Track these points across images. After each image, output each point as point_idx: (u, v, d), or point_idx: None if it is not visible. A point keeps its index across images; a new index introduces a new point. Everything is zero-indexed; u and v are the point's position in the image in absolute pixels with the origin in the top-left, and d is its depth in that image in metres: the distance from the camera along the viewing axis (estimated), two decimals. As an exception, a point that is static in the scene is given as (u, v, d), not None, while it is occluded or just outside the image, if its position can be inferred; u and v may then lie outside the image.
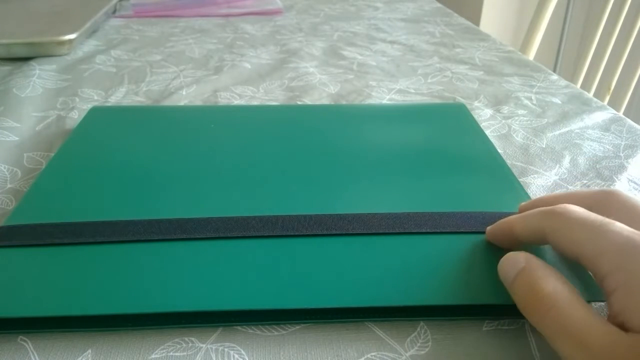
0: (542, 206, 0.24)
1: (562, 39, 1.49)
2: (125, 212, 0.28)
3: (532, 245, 0.25)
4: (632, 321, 0.18)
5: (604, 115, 0.44)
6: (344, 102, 0.47)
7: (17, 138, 0.40)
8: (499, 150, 0.37)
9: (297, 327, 0.23)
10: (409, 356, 0.22)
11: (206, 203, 0.29)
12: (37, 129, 0.42)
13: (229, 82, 0.52)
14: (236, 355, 0.22)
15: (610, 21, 0.92)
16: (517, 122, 0.43)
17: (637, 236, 0.19)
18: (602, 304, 0.25)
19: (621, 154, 0.38)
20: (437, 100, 0.48)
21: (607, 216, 0.21)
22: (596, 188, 0.31)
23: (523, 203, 0.27)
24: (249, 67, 0.56)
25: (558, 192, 0.33)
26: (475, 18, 1.45)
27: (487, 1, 1.44)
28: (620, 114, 0.44)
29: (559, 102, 0.47)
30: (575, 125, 0.42)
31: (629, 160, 0.37)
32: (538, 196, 0.33)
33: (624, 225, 0.20)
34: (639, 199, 0.23)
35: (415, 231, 0.27)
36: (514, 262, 0.22)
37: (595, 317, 0.18)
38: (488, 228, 0.26)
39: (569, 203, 0.22)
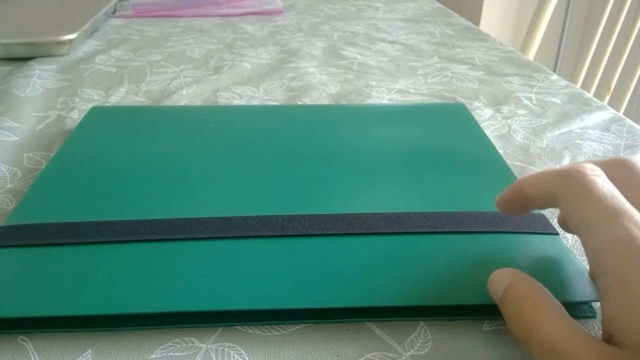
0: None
1: (562, 39, 1.49)
2: (125, 212, 0.28)
3: (544, 208, 0.23)
4: (620, 335, 0.17)
5: (604, 115, 0.44)
6: (344, 102, 0.47)
7: (17, 138, 0.40)
8: (499, 150, 0.37)
9: (297, 327, 0.23)
10: (409, 356, 0.22)
11: (206, 203, 0.29)
12: (37, 129, 0.42)
13: (229, 82, 0.52)
14: (236, 355, 0.22)
15: (610, 21, 0.92)
16: (517, 122, 0.43)
17: None
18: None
19: (621, 154, 0.38)
20: (437, 100, 0.48)
21: (620, 190, 0.20)
22: (610, 157, 0.28)
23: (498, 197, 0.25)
24: (249, 67, 0.56)
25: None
26: (475, 18, 1.45)
27: (487, 1, 1.45)
28: (620, 114, 0.44)
29: (559, 102, 0.47)
30: (575, 125, 0.42)
31: (629, 160, 0.37)
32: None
33: (638, 218, 0.18)
34: None
35: (415, 231, 0.27)
36: (500, 280, 0.21)
37: (579, 335, 0.18)
38: (498, 195, 0.24)
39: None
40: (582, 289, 0.23)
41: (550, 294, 0.20)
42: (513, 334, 0.20)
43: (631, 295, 0.17)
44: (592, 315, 0.24)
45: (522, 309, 0.20)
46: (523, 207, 0.24)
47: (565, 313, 0.19)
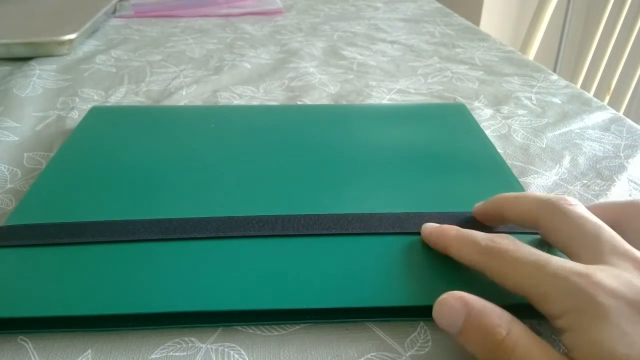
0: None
1: (562, 39, 1.49)
2: (125, 212, 0.28)
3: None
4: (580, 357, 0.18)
5: (604, 115, 0.44)
6: (344, 102, 0.47)
7: (17, 138, 0.40)
8: (499, 150, 0.37)
9: (297, 327, 0.23)
10: (409, 356, 0.22)
11: (206, 203, 0.29)
12: (37, 129, 0.42)
13: (229, 82, 0.52)
14: (236, 355, 0.22)
15: (610, 21, 0.92)
16: (517, 122, 0.43)
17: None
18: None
19: (621, 154, 0.38)
20: (437, 100, 0.48)
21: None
22: (624, 199, 0.31)
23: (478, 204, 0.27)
24: (249, 67, 0.56)
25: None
26: (475, 18, 1.45)
27: (487, 1, 1.44)
28: (620, 114, 0.44)
29: (559, 102, 0.47)
30: (575, 125, 0.42)
31: (629, 160, 0.37)
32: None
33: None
34: None
35: (415, 231, 0.27)
36: (453, 310, 0.20)
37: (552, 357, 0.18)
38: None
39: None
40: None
41: (512, 316, 0.19)
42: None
43: (583, 342, 0.18)
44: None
45: (494, 333, 0.19)
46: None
47: (532, 333, 0.19)
